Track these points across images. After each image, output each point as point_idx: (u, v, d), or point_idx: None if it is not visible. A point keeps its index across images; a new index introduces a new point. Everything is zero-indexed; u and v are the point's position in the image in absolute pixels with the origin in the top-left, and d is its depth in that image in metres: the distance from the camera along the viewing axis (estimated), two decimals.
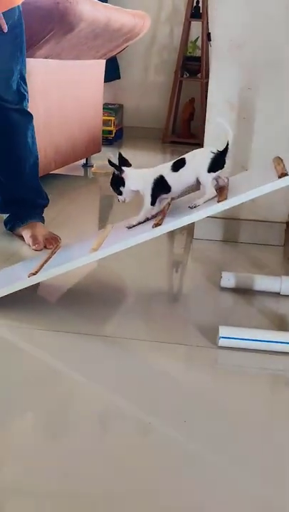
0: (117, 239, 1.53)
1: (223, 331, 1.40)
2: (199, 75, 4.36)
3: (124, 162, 1.54)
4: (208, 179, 1.45)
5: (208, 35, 4.24)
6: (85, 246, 1.58)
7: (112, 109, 4.26)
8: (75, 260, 1.49)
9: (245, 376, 1.35)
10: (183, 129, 4.42)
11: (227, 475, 1.03)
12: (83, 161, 3.37)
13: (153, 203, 1.49)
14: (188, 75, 4.42)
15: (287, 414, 1.21)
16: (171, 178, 1.47)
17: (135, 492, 0.97)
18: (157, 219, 1.49)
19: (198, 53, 4.34)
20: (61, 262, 1.54)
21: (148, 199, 1.49)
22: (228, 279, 1.74)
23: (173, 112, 4.44)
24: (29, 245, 2.00)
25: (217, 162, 1.44)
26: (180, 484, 0.99)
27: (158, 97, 4.58)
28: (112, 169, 1.54)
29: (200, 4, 4.22)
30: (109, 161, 1.50)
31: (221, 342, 1.39)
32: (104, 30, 2.73)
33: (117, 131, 4.33)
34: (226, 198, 1.43)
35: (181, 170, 1.46)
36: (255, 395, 1.27)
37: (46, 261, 1.58)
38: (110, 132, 4.20)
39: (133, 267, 1.92)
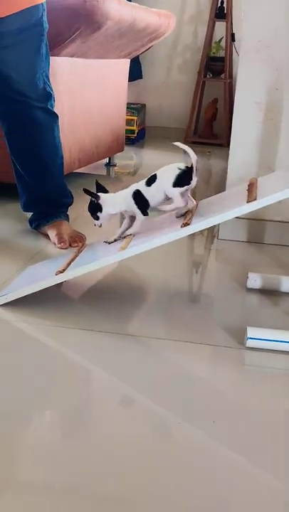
0: (145, 238, 1.53)
1: (251, 331, 1.39)
2: (223, 76, 4.35)
3: (101, 189, 1.63)
4: (174, 193, 1.50)
5: (233, 35, 4.23)
6: (110, 245, 1.58)
7: (134, 108, 4.26)
8: (104, 258, 1.49)
9: (273, 377, 1.33)
10: (205, 129, 4.41)
11: (257, 477, 1.02)
12: (106, 160, 3.37)
13: (145, 213, 1.55)
14: (211, 75, 4.41)
15: None
16: (146, 192, 1.54)
17: (164, 492, 0.97)
18: (186, 218, 1.48)
19: (221, 54, 4.32)
20: (87, 260, 1.55)
21: (138, 212, 1.55)
22: (255, 280, 1.74)
23: (195, 112, 4.43)
24: (54, 244, 2.00)
25: (183, 178, 1.49)
26: (208, 485, 0.99)
27: (180, 97, 4.57)
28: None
29: (224, 4, 4.21)
30: (85, 190, 1.58)
31: (249, 343, 1.39)
32: (130, 30, 2.73)
33: (139, 130, 4.34)
34: (255, 199, 1.42)
35: (153, 185, 1.54)
36: (284, 396, 1.26)
37: (73, 259, 1.59)
38: (132, 132, 4.21)
39: (157, 266, 1.91)
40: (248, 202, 1.42)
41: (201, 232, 2.23)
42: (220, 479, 1.01)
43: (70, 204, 2.16)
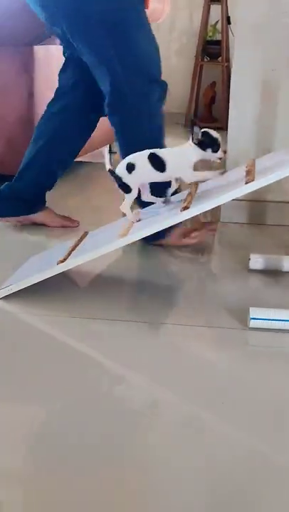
0: (145, 224, 1.54)
1: (254, 312, 1.40)
2: (220, 59, 4.33)
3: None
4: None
5: (228, 18, 4.20)
6: (112, 232, 1.59)
7: None
8: (104, 246, 1.50)
9: (278, 357, 1.35)
10: (205, 113, 4.40)
11: (271, 459, 1.03)
12: (107, 147, 3.37)
13: None
14: (208, 59, 4.40)
15: None
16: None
17: (177, 474, 0.99)
18: (186, 201, 1.49)
19: (218, 37, 4.31)
20: (89, 248, 1.56)
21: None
22: (257, 261, 1.74)
23: (194, 97, 4.42)
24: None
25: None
26: (222, 468, 1.00)
27: (179, 81, 4.55)
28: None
29: None
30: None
31: (252, 323, 1.40)
32: None
33: None
34: (253, 179, 1.42)
35: None
36: (288, 374, 1.27)
37: (74, 248, 1.60)
38: None
39: (159, 251, 1.92)
40: (246, 183, 1.43)
41: (204, 215, 2.23)
42: (230, 462, 1.02)
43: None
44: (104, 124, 3.07)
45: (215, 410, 1.14)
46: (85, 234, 1.72)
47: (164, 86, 1.87)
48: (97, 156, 3.24)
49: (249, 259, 1.75)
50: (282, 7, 2.02)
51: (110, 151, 3.38)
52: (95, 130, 2.97)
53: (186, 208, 1.46)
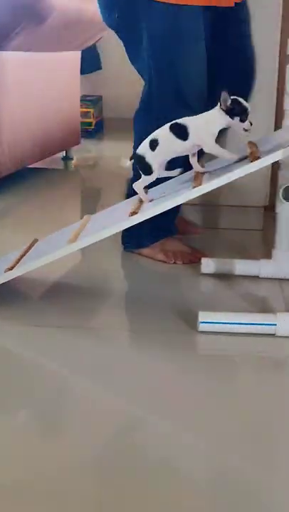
0: (96, 229, 1.53)
1: (203, 315, 1.40)
2: None
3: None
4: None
5: None
6: (63, 238, 1.58)
7: (90, 100, 4.24)
8: (52, 253, 1.48)
9: (227, 360, 1.35)
10: None
11: (224, 463, 1.03)
12: (63, 153, 3.35)
13: None
14: None
15: (276, 395, 1.21)
16: None
17: (131, 483, 0.98)
18: (134, 207, 1.49)
19: None
20: (38, 255, 1.54)
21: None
22: (208, 265, 1.75)
23: None
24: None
25: None
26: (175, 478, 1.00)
27: (138, 86, 4.54)
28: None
29: None
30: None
31: (201, 327, 1.40)
32: (77, 21, 2.72)
33: (97, 122, 4.31)
34: (200, 184, 1.43)
35: None
36: (240, 378, 1.27)
37: (23, 255, 1.58)
38: (90, 124, 4.18)
39: (114, 256, 1.91)
40: (193, 188, 1.43)
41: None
42: (183, 469, 1.02)
43: None
44: (60, 130, 3.06)
45: (163, 414, 1.14)
46: (35, 241, 1.70)
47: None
48: (52, 163, 3.22)
49: (200, 263, 1.76)
50: None
51: (66, 157, 3.36)
52: (50, 137, 2.97)
53: (134, 213, 1.45)
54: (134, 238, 1.85)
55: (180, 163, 1.55)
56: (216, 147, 1.47)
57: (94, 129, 4.22)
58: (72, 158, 3.39)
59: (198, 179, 1.46)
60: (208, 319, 1.40)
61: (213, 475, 0.99)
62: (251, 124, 1.46)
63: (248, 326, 1.40)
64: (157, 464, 1.00)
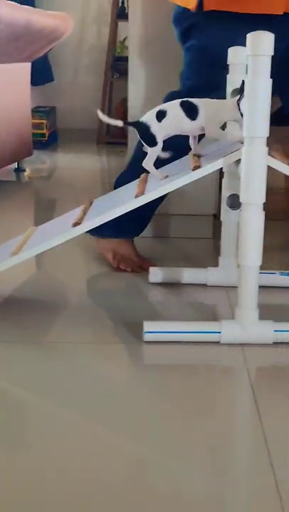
0: (41, 240, 1.51)
1: (148, 325, 1.40)
2: None
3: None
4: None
5: None
6: (5, 251, 1.56)
7: (43, 112, 4.23)
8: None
9: (173, 369, 1.35)
10: (116, 129, 4.42)
11: (175, 473, 1.02)
12: (15, 165, 3.33)
13: None
14: (118, 75, 4.43)
15: (222, 402, 1.22)
16: None
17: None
18: (78, 218, 1.48)
19: (126, 53, 4.34)
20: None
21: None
22: (156, 274, 1.75)
23: (106, 113, 4.43)
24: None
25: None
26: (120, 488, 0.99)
27: (90, 97, 4.57)
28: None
29: (125, 5, 4.23)
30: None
31: (147, 337, 1.40)
32: (25, 32, 2.71)
33: (50, 133, 4.30)
34: (142, 193, 1.43)
35: None
36: (186, 387, 1.26)
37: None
38: (43, 135, 4.17)
39: (65, 269, 1.90)
40: (135, 197, 1.43)
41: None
42: (131, 478, 1.01)
43: None
44: (11, 142, 3.04)
45: (110, 425, 1.13)
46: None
47: None
48: (4, 175, 3.20)
49: (148, 272, 1.76)
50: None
51: (18, 169, 3.34)
52: (1, 148, 2.94)
53: (77, 223, 1.45)
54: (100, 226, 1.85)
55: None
56: (220, 132, 1.43)
57: (47, 140, 4.21)
58: (24, 170, 3.37)
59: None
60: (152, 329, 1.40)
61: (167, 490, 0.98)
62: None
63: (193, 334, 1.40)
64: (111, 474, 0.99)
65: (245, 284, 1.37)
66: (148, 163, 1.46)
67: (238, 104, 1.38)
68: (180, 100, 1.43)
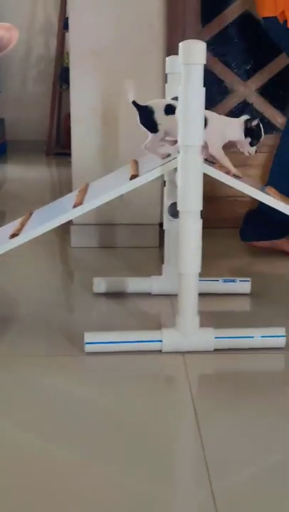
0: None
1: (89, 336, 1.39)
2: None
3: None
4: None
5: None
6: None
7: None
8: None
9: (115, 379, 1.33)
10: (66, 139, 4.40)
11: (120, 482, 1.01)
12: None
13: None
14: (67, 86, 4.41)
15: (163, 411, 1.21)
16: None
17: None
18: (15, 229, 1.46)
19: None
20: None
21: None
22: (100, 284, 1.74)
23: (55, 124, 4.42)
24: None
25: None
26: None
27: (39, 108, 4.54)
28: None
29: None
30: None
31: (88, 348, 1.38)
32: None
33: None
34: (81, 203, 1.42)
35: None
36: (128, 396, 1.25)
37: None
38: None
39: (9, 280, 1.87)
40: (73, 207, 1.42)
41: (56, 240, 2.22)
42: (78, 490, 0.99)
43: None
44: None
45: (51, 435, 1.11)
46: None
47: None
48: None
49: (93, 283, 1.75)
50: (114, 33, 2.06)
51: None
52: None
53: (14, 235, 1.42)
54: (258, 231, 2.06)
55: None
56: (221, 152, 1.44)
57: None
58: None
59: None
60: (93, 340, 1.38)
61: (110, 498, 0.97)
62: (256, 152, 1.47)
63: (135, 343, 1.39)
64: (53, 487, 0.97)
65: (185, 292, 1.37)
66: (150, 144, 1.43)
67: (246, 125, 1.42)
68: None
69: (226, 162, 1.43)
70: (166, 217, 1.72)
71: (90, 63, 2.09)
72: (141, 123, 1.42)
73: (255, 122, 1.43)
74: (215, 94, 2.33)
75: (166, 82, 1.67)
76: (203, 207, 1.35)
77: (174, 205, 1.69)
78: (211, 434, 1.11)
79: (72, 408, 1.22)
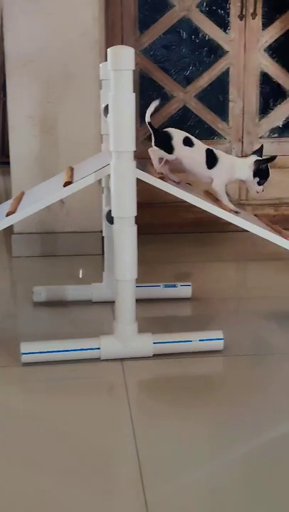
0: None
1: (25, 347, 1.36)
2: None
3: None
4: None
5: None
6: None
7: None
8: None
9: (52, 388, 1.31)
10: None
11: (52, 493, 0.98)
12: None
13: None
14: None
15: (103, 418, 1.19)
16: None
17: None
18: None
19: None
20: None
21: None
22: (40, 293, 1.72)
23: (0, 134, 4.37)
24: None
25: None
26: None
27: None
28: None
29: None
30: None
31: (24, 358, 1.36)
32: None
33: None
34: (14, 212, 1.40)
35: None
36: (63, 406, 1.23)
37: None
38: None
39: None
40: (6, 215, 1.40)
41: None
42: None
43: None
44: None
45: None
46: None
47: None
48: None
49: (32, 292, 1.72)
50: (52, 41, 2.05)
51: None
52: None
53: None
54: None
55: None
56: (223, 189, 1.53)
57: None
58: None
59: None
60: (30, 350, 1.36)
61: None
62: (263, 191, 1.54)
63: (73, 352, 1.37)
64: None
65: (122, 298, 1.37)
66: (155, 154, 1.48)
67: (257, 166, 1.50)
68: (207, 147, 1.51)
69: (225, 199, 1.54)
70: (105, 224, 1.71)
71: (26, 71, 2.07)
72: (159, 145, 1.48)
73: (264, 165, 1.52)
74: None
75: (101, 89, 1.66)
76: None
77: (110, 211, 1.68)
78: (146, 445, 1.09)
79: (6, 420, 1.19)
